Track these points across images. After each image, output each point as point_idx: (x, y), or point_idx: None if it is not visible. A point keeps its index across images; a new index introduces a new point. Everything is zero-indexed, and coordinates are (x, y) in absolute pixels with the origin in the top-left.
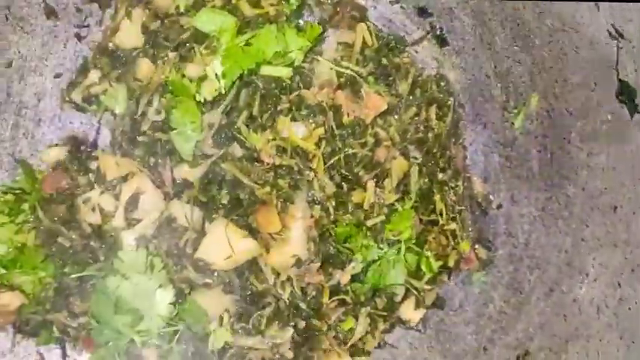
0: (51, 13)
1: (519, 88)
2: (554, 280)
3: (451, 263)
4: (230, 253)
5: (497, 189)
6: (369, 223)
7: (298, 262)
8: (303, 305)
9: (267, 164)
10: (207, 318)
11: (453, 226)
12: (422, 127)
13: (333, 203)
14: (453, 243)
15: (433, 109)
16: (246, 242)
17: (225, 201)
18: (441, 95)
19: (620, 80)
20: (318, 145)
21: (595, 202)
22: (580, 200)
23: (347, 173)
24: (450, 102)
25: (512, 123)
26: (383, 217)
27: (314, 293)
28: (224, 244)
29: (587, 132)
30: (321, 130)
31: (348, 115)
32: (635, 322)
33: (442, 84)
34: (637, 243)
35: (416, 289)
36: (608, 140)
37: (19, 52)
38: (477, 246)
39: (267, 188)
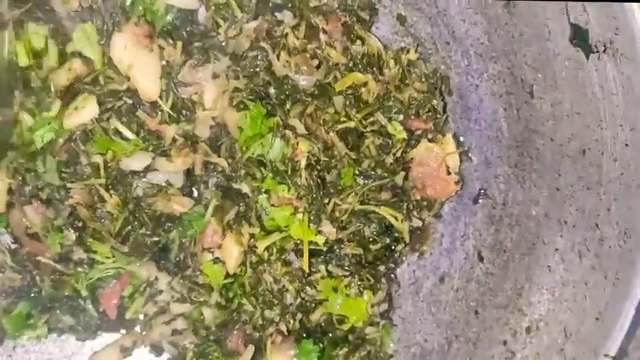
0: None
1: (478, 50)
2: (535, 233)
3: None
4: None
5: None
6: None
7: None
8: None
9: None
10: None
11: None
12: None
13: None
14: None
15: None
16: None
17: None
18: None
19: (572, 24)
20: None
21: (564, 149)
22: (550, 151)
23: None
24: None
25: (477, 86)
26: None
27: None
28: None
29: (548, 82)
30: None
31: None
32: (616, 259)
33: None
34: (609, 181)
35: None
36: (570, 86)
37: None
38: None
39: None
